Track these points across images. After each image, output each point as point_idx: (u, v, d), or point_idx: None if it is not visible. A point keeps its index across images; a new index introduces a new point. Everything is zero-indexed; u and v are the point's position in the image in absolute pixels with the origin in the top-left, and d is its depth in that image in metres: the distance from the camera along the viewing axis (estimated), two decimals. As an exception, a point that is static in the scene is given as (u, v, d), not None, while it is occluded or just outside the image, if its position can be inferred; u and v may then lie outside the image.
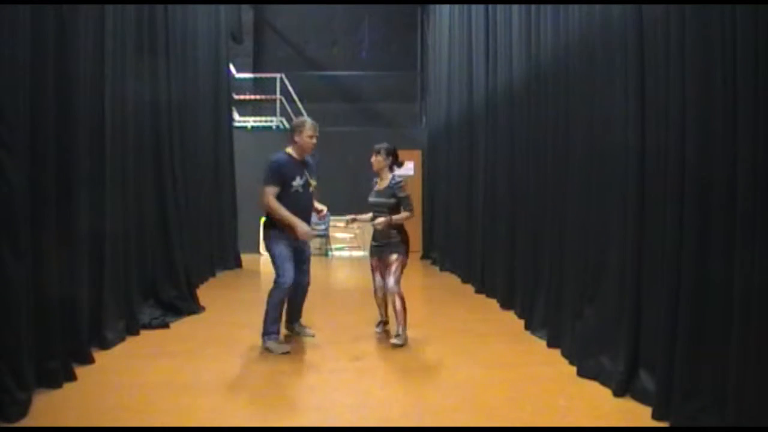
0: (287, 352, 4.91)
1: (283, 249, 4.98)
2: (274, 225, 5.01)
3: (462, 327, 6.04)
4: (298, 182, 5.01)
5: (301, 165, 5.11)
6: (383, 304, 5.63)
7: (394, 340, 5.16)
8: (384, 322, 5.69)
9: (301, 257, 5.17)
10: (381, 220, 5.20)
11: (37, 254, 3.73)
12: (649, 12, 3.76)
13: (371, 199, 5.39)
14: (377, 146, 5.39)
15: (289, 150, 5.14)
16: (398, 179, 5.33)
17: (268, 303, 5.01)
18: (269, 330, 5.00)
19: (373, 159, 5.37)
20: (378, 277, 5.48)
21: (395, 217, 5.22)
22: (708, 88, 3.17)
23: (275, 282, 4.99)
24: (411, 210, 5.27)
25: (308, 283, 5.37)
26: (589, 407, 3.71)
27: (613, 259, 4.14)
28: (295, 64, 14.56)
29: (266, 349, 4.94)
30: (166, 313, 6.03)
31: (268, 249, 5.04)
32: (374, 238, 5.43)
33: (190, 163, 7.80)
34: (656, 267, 3.65)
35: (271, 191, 4.92)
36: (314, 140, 5.13)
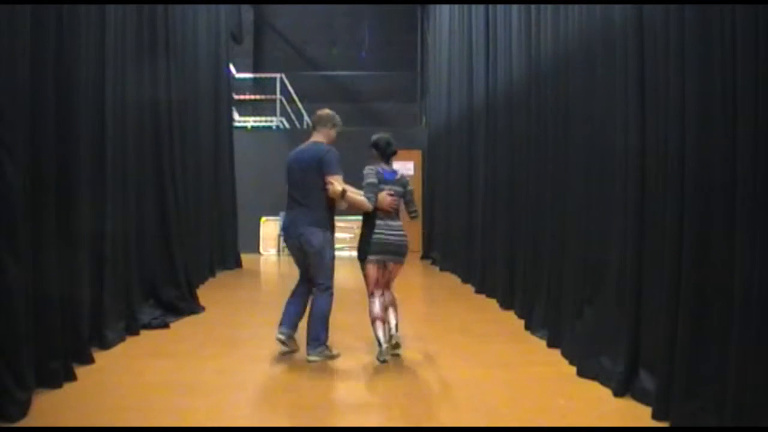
0: (338, 355, 4.78)
1: (334, 255, 4.78)
2: (331, 227, 4.77)
3: (462, 327, 6.04)
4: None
5: None
6: (384, 323, 4.72)
7: (398, 351, 4.75)
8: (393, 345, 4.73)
9: None
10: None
11: (37, 254, 3.73)
12: (649, 12, 3.76)
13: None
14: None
15: (326, 143, 4.86)
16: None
17: (324, 312, 4.67)
18: (324, 340, 4.71)
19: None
20: (379, 295, 4.74)
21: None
22: (708, 88, 3.17)
23: (328, 289, 4.70)
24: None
25: None
26: (589, 407, 3.70)
27: (613, 259, 4.14)
28: (295, 64, 14.58)
29: (326, 357, 4.68)
30: (166, 313, 6.03)
31: (325, 252, 4.68)
32: (388, 234, 4.69)
33: (190, 163, 7.80)
34: (656, 267, 3.65)
35: (341, 178, 4.66)
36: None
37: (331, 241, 4.79)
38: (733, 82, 2.98)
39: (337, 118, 4.98)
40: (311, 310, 4.72)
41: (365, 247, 4.72)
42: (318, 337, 4.66)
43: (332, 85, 14.64)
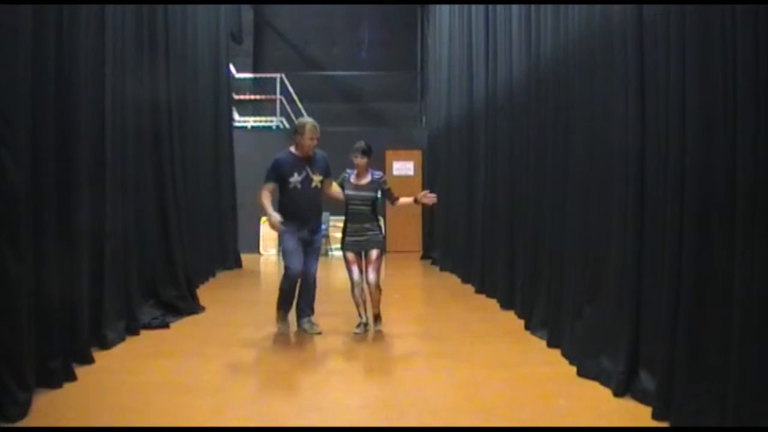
0: (284, 334, 5.46)
1: (290, 242, 5.38)
2: (285, 221, 5.33)
3: (462, 327, 6.04)
4: (296, 178, 5.30)
5: (301, 162, 5.34)
6: (363, 303, 5.55)
7: (376, 328, 5.55)
8: (365, 324, 5.56)
9: (308, 249, 5.48)
10: (428, 194, 5.68)
11: (37, 254, 3.73)
12: (649, 12, 3.76)
13: (353, 192, 5.48)
14: (362, 146, 5.49)
15: (292, 148, 5.44)
16: (380, 174, 5.64)
17: (279, 289, 5.52)
18: (278, 310, 5.55)
19: (361, 160, 5.47)
20: (357, 273, 5.46)
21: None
22: (708, 88, 3.17)
23: (284, 272, 5.45)
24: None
25: (314, 277, 5.58)
26: (589, 407, 3.71)
27: (613, 259, 4.13)
28: (295, 64, 14.56)
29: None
30: (166, 313, 6.03)
31: (280, 243, 5.62)
32: (353, 233, 5.46)
33: (190, 163, 7.80)
34: (656, 267, 3.65)
35: (265, 187, 5.33)
36: (313, 142, 5.35)
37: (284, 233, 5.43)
38: (733, 82, 2.97)
39: (303, 126, 5.35)
40: None
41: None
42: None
43: (332, 85, 14.63)
